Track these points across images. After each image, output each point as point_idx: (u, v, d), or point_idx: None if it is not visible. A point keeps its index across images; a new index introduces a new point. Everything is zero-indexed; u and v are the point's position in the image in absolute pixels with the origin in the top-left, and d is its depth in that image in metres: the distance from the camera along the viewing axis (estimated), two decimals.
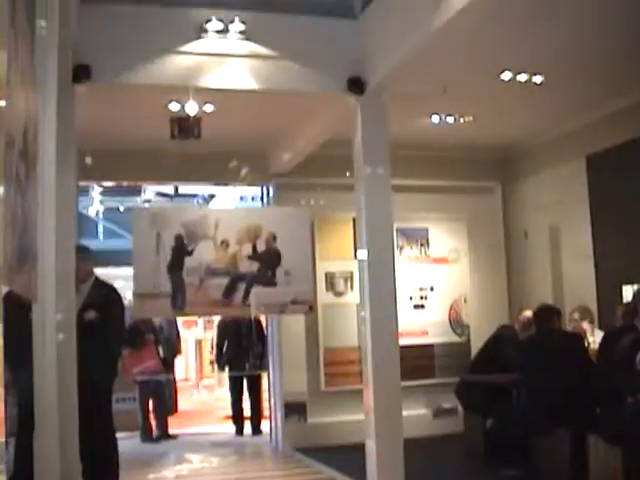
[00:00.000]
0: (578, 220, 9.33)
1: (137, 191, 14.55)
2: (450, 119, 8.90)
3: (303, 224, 8.86)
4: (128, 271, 8.92)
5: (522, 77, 7.53)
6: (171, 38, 6.76)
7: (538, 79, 7.59)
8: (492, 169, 10.87)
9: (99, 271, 6.98)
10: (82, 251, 6.51)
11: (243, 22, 6.76)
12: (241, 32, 6.78)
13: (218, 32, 6.76)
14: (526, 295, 10.39)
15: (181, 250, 8.27)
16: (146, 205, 14.57)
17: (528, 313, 8.61)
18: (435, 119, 8.88)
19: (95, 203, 15.82)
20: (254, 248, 8.53)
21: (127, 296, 8.74)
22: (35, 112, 3.96)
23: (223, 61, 6.85)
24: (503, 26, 6.15)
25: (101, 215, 17.21)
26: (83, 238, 12.38)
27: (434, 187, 10.49)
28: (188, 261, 8.29)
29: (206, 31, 6.75)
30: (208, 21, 6.73)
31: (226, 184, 11.24)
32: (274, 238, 8.53)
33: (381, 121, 7.13)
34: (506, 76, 7.48)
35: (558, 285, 9.94)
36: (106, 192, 14.74)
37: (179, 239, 8.27)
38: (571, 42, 6.71)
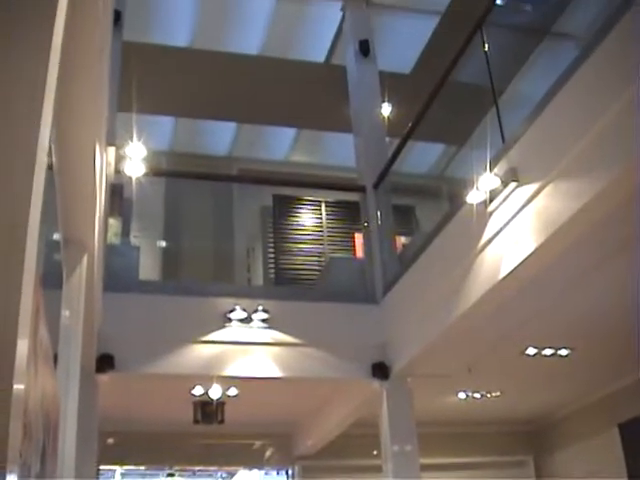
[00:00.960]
0: None
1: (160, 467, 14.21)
2: (477, 395, 8.79)
3: None
4: None
5: (547, 351, 7.48)
6: (195, 328, 6.80)
7: (564, 352, 7.53)
8: (523, 442, 10.57)
9: None
10: None
11: (266, 311, 6.85)
12: (264, 320, 6.85)
13: (241, 321, 6.82)
14: None
15: None
16: None
17: None
18: (462, 395, 8.76)
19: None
20: None
21: None
22: (56, 419, 3.86)
23: (246, 349, 6.84)
24: (524, 305, 6.14)
25: None
26: None
27: (464, 464, 10.17)
28: None
29: (230, 320, 6.81)
30: (232, 311, 6.81)
31: (250, 468, 10.93)
32: None
33: (407, 403, 7.02)
34: (531, 351, 7.44)
35: None
36: None
37: None
38: (594, 315, 6.68)
